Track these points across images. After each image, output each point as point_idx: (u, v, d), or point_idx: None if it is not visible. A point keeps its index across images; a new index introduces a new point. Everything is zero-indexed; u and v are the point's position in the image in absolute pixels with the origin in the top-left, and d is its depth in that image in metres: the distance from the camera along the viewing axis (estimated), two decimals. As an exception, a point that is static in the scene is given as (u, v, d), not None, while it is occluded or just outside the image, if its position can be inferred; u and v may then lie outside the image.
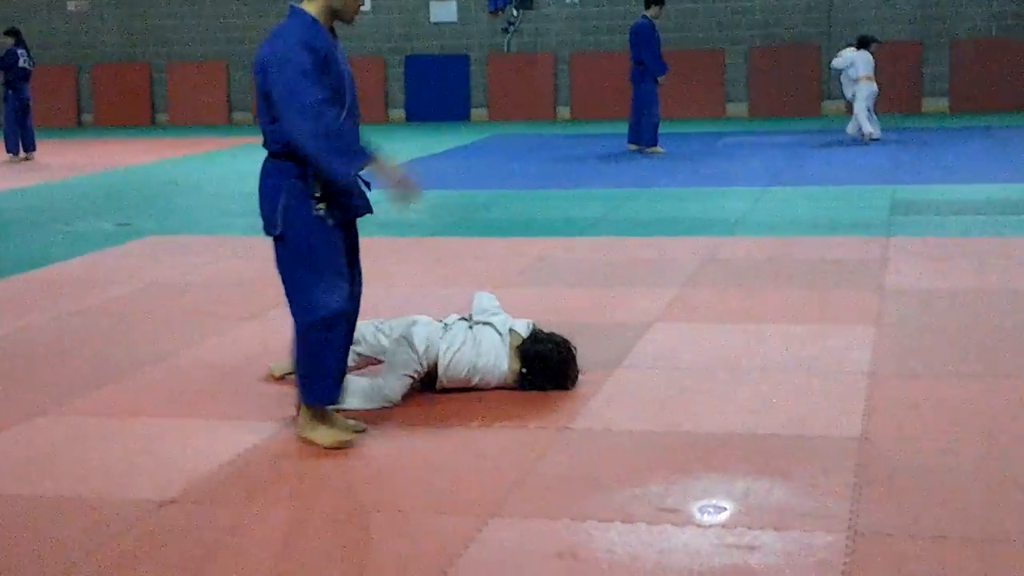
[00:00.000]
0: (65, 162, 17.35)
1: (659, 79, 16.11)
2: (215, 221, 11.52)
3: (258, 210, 5.07)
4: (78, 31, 24.12)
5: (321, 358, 4.95)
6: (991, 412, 5.23)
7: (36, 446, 5.13)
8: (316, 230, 4.90)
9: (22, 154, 17.56)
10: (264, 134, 4.96)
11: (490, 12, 22.42)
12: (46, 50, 24.18)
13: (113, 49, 24.00)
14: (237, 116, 23.56)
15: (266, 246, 9.30)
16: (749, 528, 4.10)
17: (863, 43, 16.88)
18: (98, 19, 24.00)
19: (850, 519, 4.13)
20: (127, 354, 6.55)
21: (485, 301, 5.95)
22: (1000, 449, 4.79)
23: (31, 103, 17.77)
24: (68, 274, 8.89)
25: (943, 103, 21.04)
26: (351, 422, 5.16)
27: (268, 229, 4.96)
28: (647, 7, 16.30)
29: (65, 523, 4.29)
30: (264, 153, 5.06)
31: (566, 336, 5.80)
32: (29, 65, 17.66)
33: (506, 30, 22.36)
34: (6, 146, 17.56)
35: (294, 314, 4.97)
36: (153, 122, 23.87)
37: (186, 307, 7.71)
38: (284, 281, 4.98)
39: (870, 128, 16.55)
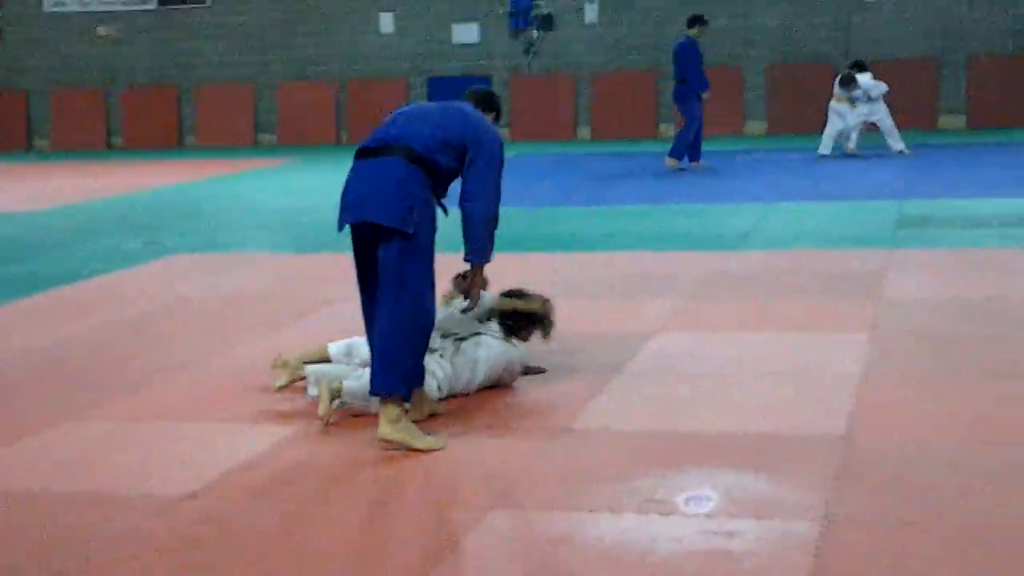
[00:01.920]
0: (95, 183, 17.76)
1: (703, 96, 16.48)
2: (237, 239, 11.86)
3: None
4: (108, 55, 24.59)
5: (421, 352, 5.32)
6: (971, 414, 5.50)
7: (70, 448, 5.47)
8: (433, 238, 5.39)
9: None
10: (405, 138, 5.37)
11: (511, 34, 22.78)
12: (76, 74, 24.68)
13: (142, 73, 24.46)
14: (263, 138, 23.97)
15: (287, 264, 9.59)
16: (730, 517, 4.39)
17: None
18: (127, 43, 24.47)
19: (826, 509, 4.41)
20: (155, 363, 6.89)
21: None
22: (975, 447, 5.07)
23: None
24: (99, 289, 9.25)
25: (960, 120, 21.25)
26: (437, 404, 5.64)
27: (399, 224, 5.21)
28: (689, 26, 16.72)
29: (91, 516, 4.62)
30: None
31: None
32: None
33: (527, 51, 22.70)
34: None
35: (402, 310, 5.21)
36: (181, 144, 24.31)
37: (210, 320, 8.04)
38: (403, 277, 5.23)
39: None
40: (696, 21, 16.71)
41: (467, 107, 5.69)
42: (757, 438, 5.26)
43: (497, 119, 5.86)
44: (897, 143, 17.29)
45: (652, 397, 5.93)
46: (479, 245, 5.53)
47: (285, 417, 5.77)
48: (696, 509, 4.49)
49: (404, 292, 5.23)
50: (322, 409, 5.49)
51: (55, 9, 24.62)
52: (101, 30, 24.57)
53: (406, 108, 5.73)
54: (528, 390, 6.09)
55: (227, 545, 4.31)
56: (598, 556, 4.12)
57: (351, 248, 5.52)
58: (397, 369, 5.23)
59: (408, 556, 4.19)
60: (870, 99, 17.29)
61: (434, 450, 5.21)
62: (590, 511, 4.49)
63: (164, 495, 4.78)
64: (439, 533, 4.39)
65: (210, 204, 14.94)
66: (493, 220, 5.54)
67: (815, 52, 21.73)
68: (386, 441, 5.20)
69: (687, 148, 16.50)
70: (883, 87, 17.37)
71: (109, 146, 24.62)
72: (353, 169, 5.48)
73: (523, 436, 5.42)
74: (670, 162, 16.44)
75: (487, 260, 5.63)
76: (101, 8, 24.45)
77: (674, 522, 4.38)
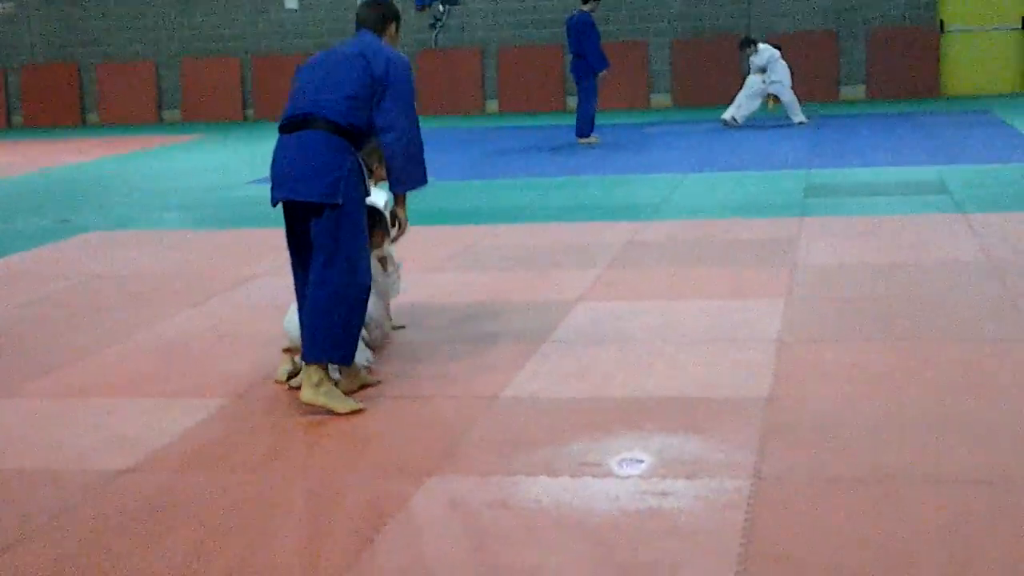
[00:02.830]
0: (-2, 162, 17.49)
1: (600, 73, 16.45)
2: (151, 216, 11.77)
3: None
4: (4, 32, 24.16)
5: (357, 321, 5.41)
6: (887, 372, 5.69)
7: (1, 426, 5.45)
8: (364, 206, 5.48)
9: None
10: (322, 107, 5.38)
11: (417, 9, 22.71)
12: (-27, 52, 24.23)
13: (41, 50, 24.07)
14: (167, 115, 23.71)
15: (204, 240, 9.59)
16: (663, 478, 4.51)
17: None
18: (24, 21, 24.06)
19: (755, 467, 4.55)
20: (77, 340, 6.86)
21: None
22: (892, 404, 5.24)
23: None
24: (12, 269, 9.15)
25: (860, 91, 21.65)
26: (366, 375, 5.74)
27: (326, 198, 5.29)
28: (584, 2, 16.64)
29: (29, 493, 4.61)
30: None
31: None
32: None
33: (433, 26, 22.69)
34: None
35: (337, 279, 5.32)
36: (84, 122, 23.97)
37: (130, 297, 8.01)
38: (335, 247, 5.31)
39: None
40: None
41: (367, 43, 5.57)
42: (684, 401, 5.39)
43: (397, 26, 5.78)
44: (797, 116, 17.67)
45: (578, 364, 6.03)
46: (399, 175, 5.56)
47: (216, 390, 5.79)
48: (629, 470, 4.61)
49: (336, 261, 5.33)
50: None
51: (-51, -15, 24.13)
52: (-2, 7, 24.12)
53: (313, 64, 5.62)
54: (454, 359, 6.16)
55: (167, 518, 4.33)
56: (537, 518, 4.21)
57: (266, 224, 5.59)
58: (329, 338, 5.34)
59: (350, 524, 4.25)
60: (760, 67, 17.70)
61: (355, 412, 5.33)
62: (526, 475, 4.58)
63: (101, 470, 4.79)
64: (379, 501, 4.45)
65: (121, 182, 14.78)
66: (413, 145, 5.53)
67: (719, 26, 21.98)
68: (308, 404, 5.32)
69: (588, 121, 16.56)
70: (769, 52, 17.68)
71: (9, 124, 24.21)
72: (278, 144, 5.54)
73: (453, 404, 5.50)
74: (583, 142, 16.53)
75: (415, 186, 5.64)
76: (-3, -16, 24.01)
77: (609, 484, 4.49)
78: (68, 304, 7.87)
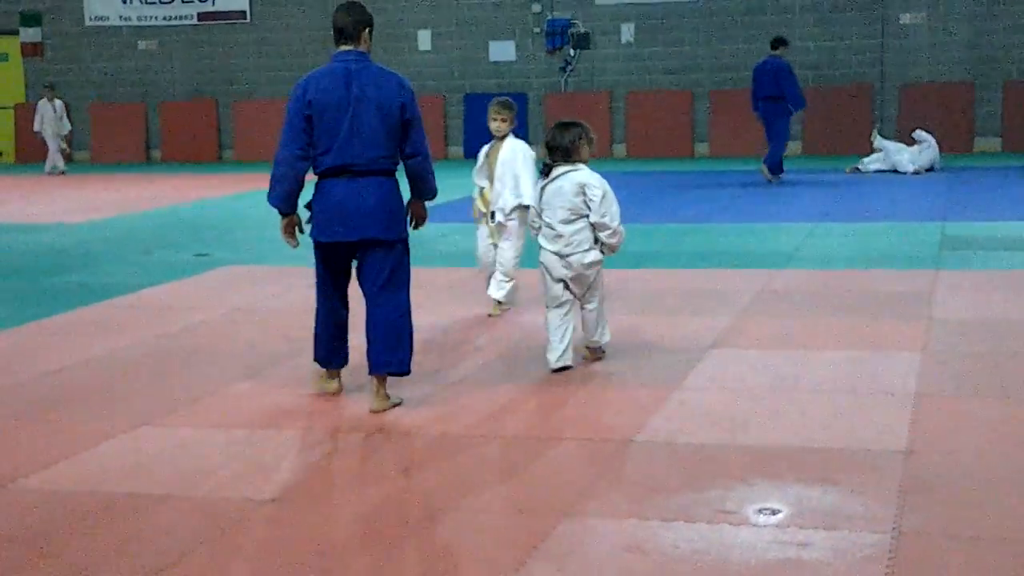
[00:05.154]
0: (139, 196, 17.97)
1: (795, 112, 17.44)
2: (284, 252, 11.97)
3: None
4: (147, 69, 24.84)
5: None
6: (1029, 430, 5.60)
7: (144, 452, 5.60)
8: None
9: None
10: (375, 161, 6.07)
11: (547, 52, 22.92)
12: (117, 88, 24.94)
13: (181, 87, 24.70)
14: (300, 152, 24.12)
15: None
16: (801, 528, 4.49)
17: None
18: (167, 58, 24.73)
19: (894, 521, 4.51)
20: (217, 372, 7.03)
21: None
22: (1036, 462, 5.16)
23: None
24: (154, 301, 9.40)
25: (996, 143, 21.29)
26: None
27: (398, 235, 6.13)
28: (774, 48, 17.43)
29: (179, 519, 4.74)
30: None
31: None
32: None
33: (563, 69, 22.85)
34: None
35: (405, 299, 6.17)
36: (220, 158, 24.52)
37: (267, 330, 8.18)
38: (400, 275, 6.17)
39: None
40: (781, 43, 17.50)
41: (386, 80, 6.13)
42: (820, 452, 5.35)
43: (371, 31, 6.25)
44: (870, 163, 18.73)
45: (712, 411, 6.03)
46: (424, 189, 6.34)
47: (352, 425, 5.89)
48: (766, 520, 4.59)
49: (403, 284, 6.17)
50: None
51: (96, 23, 24.90)
52: (142, 44, 24.81)
53: (339, 106, 6.05)
54: (588, 402, 6.20)
55: (308, 547, 4.42)
56: (674, 564, 4.22)
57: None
58: (400, 351, 6.12)
59: (487, 563, 4.29)
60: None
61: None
62: (662, 520, 4.59)
63: (244, 498, 4.91)
64: (514, 541, 4.49)
65: (256, 218, 15.08)
66: (430, 162, 6.29)
67: (850, 74, 21.80)
68: (377, 412, 6.03)
69: (781, 159, 17.37)
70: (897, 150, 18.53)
71: (148, 159, 24.86)
72: (334, 187, 6.13)
73: (588, 447, 5.53)
74: (772, 177, 17.22)
75: (433, 196, 6.40)
76: (141, 23, 24.71)
77: (746, 532, 4.48)
78: (208, 336, 8.07)
